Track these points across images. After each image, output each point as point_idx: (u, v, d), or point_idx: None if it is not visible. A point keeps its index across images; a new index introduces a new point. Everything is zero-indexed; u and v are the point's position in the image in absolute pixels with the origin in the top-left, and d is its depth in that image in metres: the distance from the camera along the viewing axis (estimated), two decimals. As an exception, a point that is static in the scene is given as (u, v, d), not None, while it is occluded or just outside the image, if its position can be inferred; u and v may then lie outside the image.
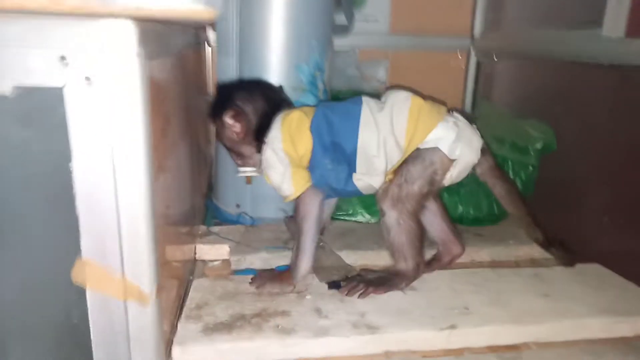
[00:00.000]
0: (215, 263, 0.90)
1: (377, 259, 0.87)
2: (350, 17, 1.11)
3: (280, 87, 0.90)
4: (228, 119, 0.79)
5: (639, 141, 0.80)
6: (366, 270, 0.79)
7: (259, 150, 0.79)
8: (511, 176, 1.01)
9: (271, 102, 0.82)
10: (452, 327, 0.65)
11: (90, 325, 0.51)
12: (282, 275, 0.77)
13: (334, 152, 0.75)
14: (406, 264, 0.74)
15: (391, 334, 0.64)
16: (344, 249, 0.89)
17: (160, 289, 0.54)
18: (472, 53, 1.34)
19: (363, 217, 1.04)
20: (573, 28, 0.94)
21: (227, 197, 1.07)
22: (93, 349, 0.51)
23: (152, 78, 0.51)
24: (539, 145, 0.99)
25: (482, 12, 1.32)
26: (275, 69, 0.95)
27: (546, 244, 0.82)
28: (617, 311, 0.70)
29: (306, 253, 0.75)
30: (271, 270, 0.81)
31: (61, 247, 0.49)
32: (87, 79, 0.44)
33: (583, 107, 0.93)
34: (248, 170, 0.86)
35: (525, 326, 0.67)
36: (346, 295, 0.72)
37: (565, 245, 0.83)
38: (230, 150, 0.85)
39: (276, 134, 0.76)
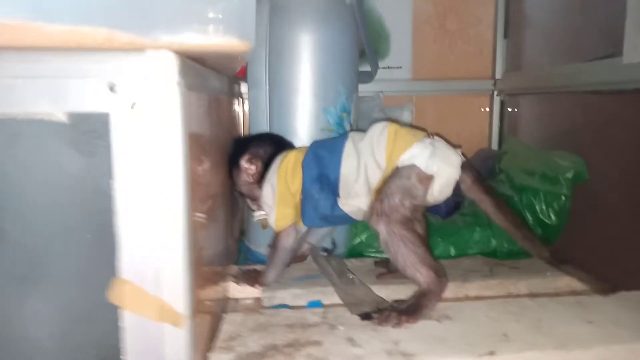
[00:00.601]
0: (247, 301, 0.91)
1: (410, 293, 0.85)
2: (374, 65, 1.16)
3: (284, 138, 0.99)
4: (244, 163, 0.90)
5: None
6: (398, 301, 0.78)
7: None
8: (543, 207, 1.00)
9: (278, 146, 0.93)
10: (491, 353, 0.63)
11: (126, 349, 0.52)
12: (257, 276, 0.90)
13: (321, 182, 0.83)
14: (423, 277, 0.74)
15: (427, 361, 0.62)
16: (374, 284, 0.88)
17: (195, 312, 0.55)
18: (495, 94, 1.37)
19: (394, 253, 1.03)
20: (592, 60, 0.95)
21: (259, 239, 1.08)
22: (128, 371, 0.52)
23: (190, 108, 0.55)
24: (569, 175, 0.98)
25: (502, 55, 1.36)
26: (304, 113, 1.00)
27: (555, 261, 0.81)
28: (669, 337, 0.66)
29: (275, 269, 0.89)
30: (254, 270, 0.94)
31: (98, 267, 0.51)
32: (132, 105, 0.48)
33: (611, 135, 0.92)
34: (262, 214, 0.92)
35: (570, 352, 0.64)
36: (379, 325, 0.71)
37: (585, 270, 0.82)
38: (246, 196, 0.95)
39: (274, 171, 0.86)
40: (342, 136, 0.87)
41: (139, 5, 0.47)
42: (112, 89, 0.48)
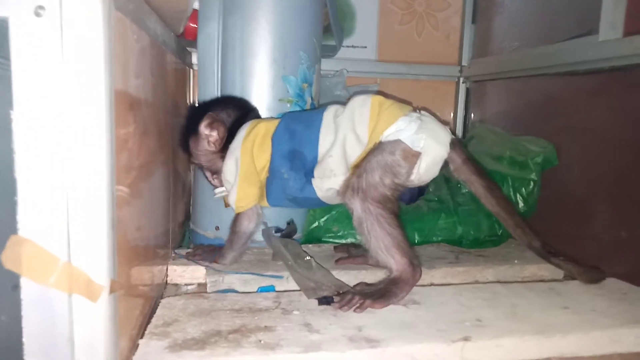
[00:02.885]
0: (190, 287, 0.80)
1: (372, 279, 0.77)
2: (339, 36, 1.08)
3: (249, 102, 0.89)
4: (204, 129, 0.78)
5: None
6: (362, 283, 0.70)
7: None
8: (511, 193, 0.95)
9: (243, 111, 0.82)
10: (466, 339, 0.56)
11: (23, 325, 0.41)
12: (213, 253, 0.82)
13: (293, 160, 0.74)
14: (396, 263, 0.66)
15: (395, 347, 0.54)
16: (334, 270, 0.80)
17: (117, 285, 0.45)
18: (461, 81, 1.33)
19: (354, 238, 0.95)
20: (565, 40, 0.92)
21: (206, 221, 0.98)
22: (24, 356, 0.41)
23: (118, 34, 0.44)
24: (539, 159, 0.93)
25: (469, 42, 1.32)
26: (261, 80, 0.90)
27: (545, 252, 0.74)
28: (650, 322, 0.61)
29: (234, 252, 0.80)
30: (208, 245, 0.88)
31: (-7, 221, 0.40)
32: (38, 9, 0.37)
33: (584, 118, 0.89)
34: (224, 190, 0.81)
35: (548, 338, 0.57)
36: (340, 309, 0.63)
37: (576, 261, 0.75)
38: (206, 169, 0.84)
39: (238, 143, 0.76)
40: (319, 109, 0.77)
41: None
42: (11, -15, 0.37)
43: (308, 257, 0.77)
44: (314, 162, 0.73)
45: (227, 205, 0.84)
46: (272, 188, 0.77)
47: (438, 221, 0.97)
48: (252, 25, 0.88)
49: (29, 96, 0.39)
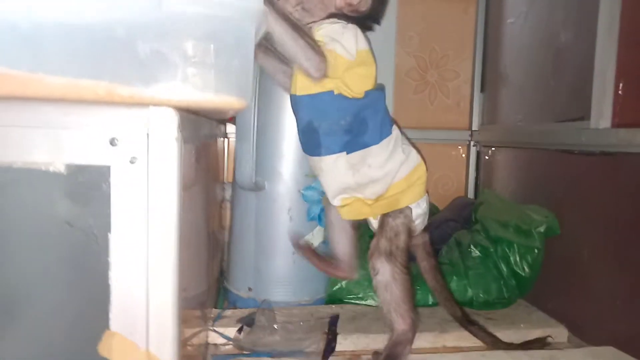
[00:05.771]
0: (228, 347, 0.90)
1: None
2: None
3: None
4: None
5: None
6: (376, 354, 0.79)
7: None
8: (517, 259, 1.03)
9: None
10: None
11: (111, 401, 0.51)
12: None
13: (361, 117, 0.79)
14: (404, 322, 0.76)
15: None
16: (355, 332, 0.89)
17: (180, 364, 0.55)
18: (472, 144, 1.43)
19: (374, 300, 1.04)
20: (563, 121, 1.02)
21: (239, 281, 1.08)
22: None
23: (185, 161, 0.56)
24: (542, 229, 1.02)
25: (478, 108, 1.43)
26: (289, 158, 1.03)
27: (464, 321, 0.89)
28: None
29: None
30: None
31: (90, 319, 0.51)
32: (132, 159, 0.49)
33: (581, 192, 0.98)
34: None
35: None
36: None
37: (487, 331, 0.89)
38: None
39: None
40: (388, 117, 0.84)
41: (140, 61, 0.49)
42: (112, 142, 0.49)
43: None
44: (365, 144, 0.78)
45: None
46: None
47: (450, 283, 1.05)
48: (281, 116, 1.01)
49: (123, 221, 0.50)
